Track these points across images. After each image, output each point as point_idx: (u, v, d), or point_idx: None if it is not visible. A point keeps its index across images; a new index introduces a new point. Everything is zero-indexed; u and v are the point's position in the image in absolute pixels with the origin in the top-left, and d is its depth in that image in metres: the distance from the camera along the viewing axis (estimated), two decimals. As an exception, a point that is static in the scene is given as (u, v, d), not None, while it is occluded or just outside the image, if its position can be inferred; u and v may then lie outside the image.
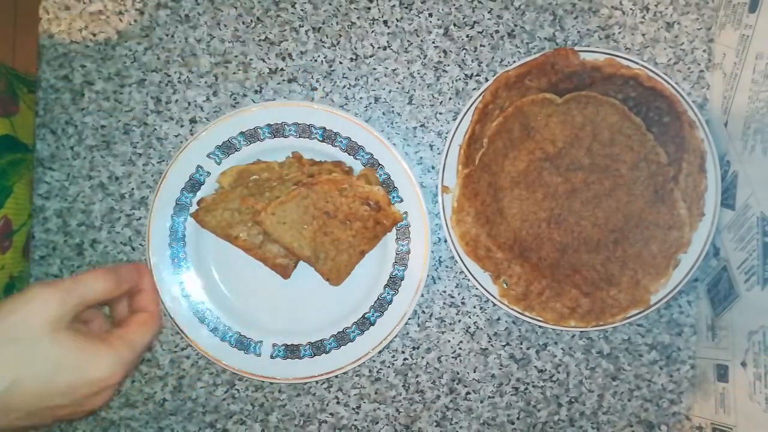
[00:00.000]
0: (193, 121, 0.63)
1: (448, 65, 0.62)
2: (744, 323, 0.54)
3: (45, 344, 0.39)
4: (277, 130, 0.60)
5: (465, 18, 0.62)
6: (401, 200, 0.59)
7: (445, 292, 0.62)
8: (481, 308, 0.62)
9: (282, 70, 0.63)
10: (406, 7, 0.62)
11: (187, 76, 0.63)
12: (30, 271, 0.63)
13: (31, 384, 0.39)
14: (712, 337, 0.59)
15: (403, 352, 0.63)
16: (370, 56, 0.62)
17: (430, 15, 0.62)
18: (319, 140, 0.60)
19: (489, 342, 0.62)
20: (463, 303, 0.62)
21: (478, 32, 0.62)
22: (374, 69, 0.62)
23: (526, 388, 0.62)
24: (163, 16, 0.63)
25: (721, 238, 0.58)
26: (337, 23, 0.62)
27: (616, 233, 0.58)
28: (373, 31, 0.62)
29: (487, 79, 0.62)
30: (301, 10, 0.62)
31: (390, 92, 0.63)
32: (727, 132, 0.58)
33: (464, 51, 0.62)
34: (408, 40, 0.62)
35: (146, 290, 0.49)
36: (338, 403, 0.63)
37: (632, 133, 0.57)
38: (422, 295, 0.62)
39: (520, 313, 0.59)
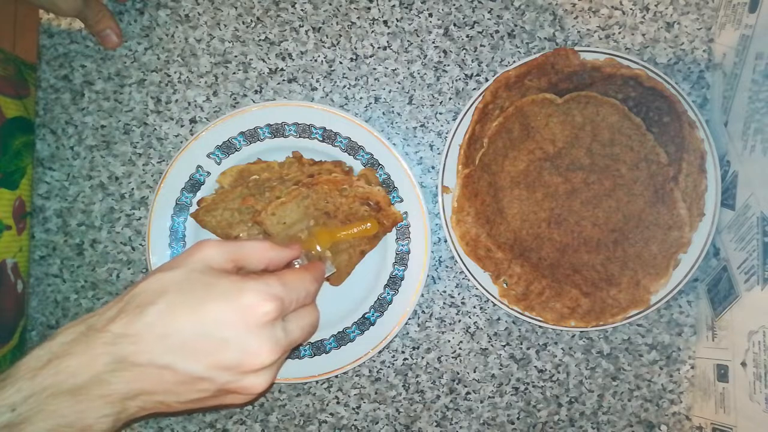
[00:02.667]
0: (193, 121, 0.63)
1: (448, 65, 0.62)
2: (744, 323, 0.54)
3: (198, 273, 0.39)
4: (277, 130, 0.60)
5: (465, 18, 0.62)
6: (401, 200, 0.59)
7: (445, 292, 0.62)
8: (481, 308, 0.62)
9: (282, 70, 0.63)
10: (406, 7, 0.62)
11: (187, 76, 0.63)
12: (30, 271, 0.64)
13: (184, 310, 0.37)
14: (712, 337, 0.59)
15: (403, 352, 0.63)
16: (370, 56, 0.62)
17: (430, 15, 0.62)
18: (319, 140, 0.60)
19: (489, 342, 0.62)
20: (463, 303, 0.62)
21: (478, 32, 0.62)
22: (374, 69, 0.62)
23: (526, 388, 0.62)
24: (163, 16, 0.63)
25: (721, 238, 0.58)
26: (337, 23, 0.62)
27: (616, 233, 0.58)
28: (373, 31, 0.62)
29: (487, 79, 0.62)
30: (301, 10, 0.62)
31: (390, 92, 0.63)
32: (727, 132, 0.58)
33: (464, 51, 0.62)
34: (408, 40, 0.62)
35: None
36: (338, 403, 0.63)
37: (632, 133, 0.57)
38: (422, 295, 0.62)
39: (520, 313, 0.59)
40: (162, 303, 0.37)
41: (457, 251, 0.59)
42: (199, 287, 0.38)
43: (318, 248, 0.56)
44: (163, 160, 0.63)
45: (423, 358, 0.63)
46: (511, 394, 0.62)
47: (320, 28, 0.62)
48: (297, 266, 0.50)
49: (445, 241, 0.62)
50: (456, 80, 0.62)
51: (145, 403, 0.38)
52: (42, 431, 0.35)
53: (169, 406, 0.39)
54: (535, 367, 0.62)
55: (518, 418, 0.62)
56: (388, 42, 0.62)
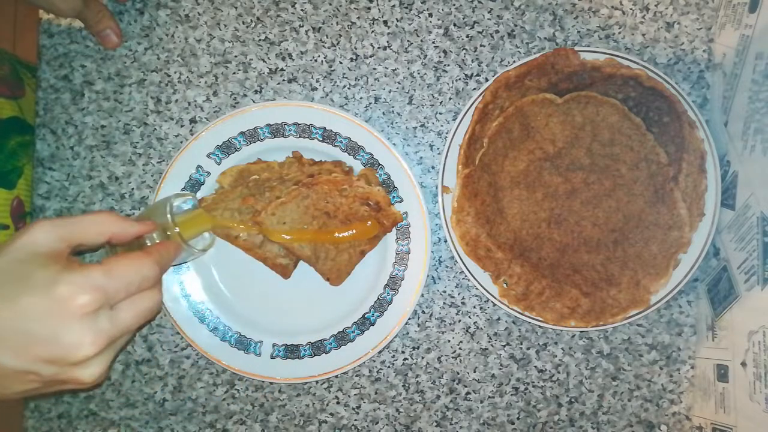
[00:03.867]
0: (193, 121, 0.63)
1: (448, 65, 0.62)
2: (744, 323, 0.54)
3: (18, 263, 0.38)
4: (277, 130, 0.60)
5: (465, 18, 0.62)
6: (401, 200, 0.59)
7: (445, 292, 0.62)
8: (481, 308, 0.62)
9: (282, 70, 0.63)
10: (406, 7, 0.62)
11: (187, 76, 0.63)
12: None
13: (1, 307, 0.36)
14: (712, 337, 0.59)
15: (403, 352, 0.63)
16: (370, 56, 0.62)
17: (430, 15, 0.62)
18: (319, 140, 0.60)
19: (489, 342, 0.62)
20: (463, 303, 0.62)
21: (478, 32, 0.62)
22: (374, 69, 0.62)
23: (526, 388, 0.62)
24: (163, 16, 0.63)
25: (721, 238, 0.58)
26: (337, 23, 0.62)
27: (616, 233, 0.58)
28: (373, 31, 0.62)
29: (487, 79, 0.62)
30: (301, 10, 0.62)
31: (390, 92, 0.63)
32: (727, 132, 0.58)
33: (464, 51, 0.62)
34: (408, 40, 0.62)
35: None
36: (338, 403, 0.63)
37: (632, 133, 0.57)
38: (422, 295, 0.62)
39: (520, 313, 0.59)
40: None
41: (457, 251, 0.59)
42: (13, 279, 0.37)
43: (176, 230, 0.52)
44: (163, 160, 0.63)
45: (423, 358, 0.63)
46: (511, 394, 0.62)
47: (320, 28, 0.62)
48: (148, 243, 0.48)
49: (445, 241, 0.62)
50: (456, 80, 0.62)
51: None
52: None
53: (2, 395, 0.39)
54: (535, 367, 0.62)
55: (518, 418, 0.62)
56: (388, 42, 0.62)
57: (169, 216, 0.52)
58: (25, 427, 0.63)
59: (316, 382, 0.62)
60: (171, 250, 0.47)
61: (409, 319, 0.61)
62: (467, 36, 0.62)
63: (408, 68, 0.62)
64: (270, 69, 0.63)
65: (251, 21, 0.63)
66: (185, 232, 0.53)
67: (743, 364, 0.54)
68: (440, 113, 0.62)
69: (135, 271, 0.41)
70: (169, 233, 0.52)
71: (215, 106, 0.63)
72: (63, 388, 0.40)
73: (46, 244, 0.39)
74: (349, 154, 0.60)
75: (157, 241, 0.50)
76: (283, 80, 0.63)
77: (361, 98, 0.63)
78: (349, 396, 0.63)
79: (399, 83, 0.62)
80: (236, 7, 0.63)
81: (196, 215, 0.56)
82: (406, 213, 0.59)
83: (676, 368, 0.62)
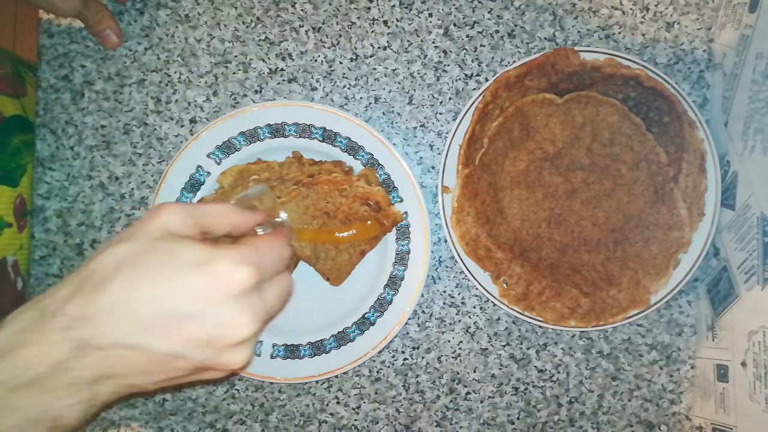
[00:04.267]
0: (193, 121, 0.63)
1: (448, 65, 0.62)
2: (744, 323, 0.54)
3: (159, 242, 0.35)
4: (277, 130, 0.60)
5: (465, 18, 0.62)
6: (401, 200, 0.59)
7: (445, 292, 0.62)
8: (481, 308, 0.62)
9: (282, 70, 0.63)
10: (406, 7, 0.62)
11: (187, 76, 0.63)
12: (30, 271, 0.64)
13: (148, 285, 0.34)
14: (712, 337, 0.59)
15: (403, 352, 0.63)
16: (370, 56, 0.62)
17: (430, 15, 0.62)
18: (319, 140, 0.60)
19: (489, 342, 0.62)
20: (463, 303, 0.62)
21: (478, 32, 0.62)
22: (374, 69, 0.62)
23: (526, 388, 0.62)
24: (163, 16, 0.63)
25: (721, 238, 0.58)
26: (337, 23, 0.62)
27: (616, 233, 0.58)
28: (373, 31, 0.62)
29: (487, 79, 0.62)
30: (301, 10, 0.62)
31: (390, 92, 0.63)
32: (727, 132, 0.58)
33: (464, 51, 0.62)
34: (408, 40, 0.62)
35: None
36: (338, 403, 0.63)
37: (632, 133, 0.57)
38: (422, 295, 0.62)
39: (520, 313, 0.59)
40: (122, 278, 0.34)
41: (457, 251, 0.59)
42: (162, 257, 0.35)
43: (282, 215, 0.51)
44: (163, 160, 0.63)
45: (423, 358, 0.63)
46: (511, 394, 0.62)
47: (320, 28, 0.62)
48: (260, 232, 0.47)
49: (445, 241, 0.62)
50: (456, 80, 0.62)
51: (117, 387, 0.35)
52: (8, 429, 0.33)
53: (142, 387, 0.36)
54: (535, 367, 0.62)
55: (518, 418, 0.62)
56: (388, 42, 0.62)
57: (276, 206, 0.51)
58: (25, 427, 0.63)
59: (316, 382, 0.62)
60: (289, 235, 0.46)
61: (409, 319, 0.61)
62: (467, 36, 0.62)
63: (408, 68, 0.62)
64: (270, 69, 0.63)
65: (251, 21, 0.63)
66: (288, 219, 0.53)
67: (743, 364, 0.54)
68: (440, 113, 0.62)
69: (277, 250, 0.39)
70: (278, 220, 0.51)
71: (215, 106, 0.63)
72: (205, 377, 0.38)
73: (182, 227, 0.37)
74: (349, 154, 0.60)
75: (268, 231, 0.49)
76: (283, 80, 0.63)
77: (361, 98, 0.63)
78: (349, 396, 0.63)
79: (399, 83, 0.62)
80: (236, 7, 0.63)
81: (271, 200, 0.56)
82: (406, 213, 0.59)
83: (676, 368, 0.62)
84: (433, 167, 0.62)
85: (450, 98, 0.62)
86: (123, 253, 0.35)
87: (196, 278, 0.34)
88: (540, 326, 0.62)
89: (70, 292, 0.34)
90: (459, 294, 0.62)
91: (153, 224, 0.36)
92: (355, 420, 0.63)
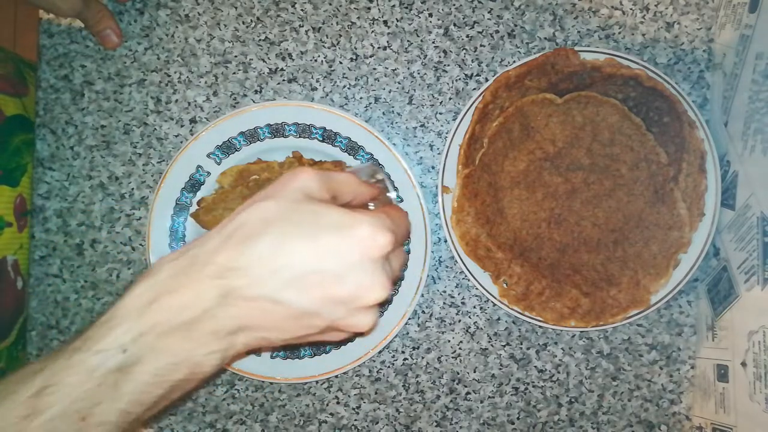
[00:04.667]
0: (193, 121, 0.63)
1: (448, 65, 0.62)
2: (744, 323, 0.54)
3: (302, 203, 0.36)
4: (277, 130, 0.60)
5: (465, 18, 0.62)
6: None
7: (445, 292, 0.62)
8: (481, 308, 0.62)
9: (282, 70, 0.63)
10: (406, 7, 0.62)
11: (187, 76, 0.63)
12: (30, 271, 0.64)
13: (297, 242, 0.35)
14: (712, 337, 0.59)
15: (403, 352, 0.63)
16: (370, 56, 0.62)
17: (430, 15, 0.62)
18: (319, 140, 0.60)
19: (489, 342, 0.62)
20: (463, 303, 0.62)
21: (478, 32, 0.62)
22: (374, 69, 0.62)
23: (526, 388, 0.62)
24: (163, 16, 0.63)
25: (721, 238, 0.58)
26: (337, 23, 0.62)
27: (616, 233, 0.58)
28: (373, 31, 0.62)
29: (487, 79, 0.62)
30: (301, 10, 0.62)
31: (390, 92, 0.63)
32: (727, 132, 0.58)
33: (464, 51, 0.62)
34: (408, 40, 0.62)
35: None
36: (338, 403, 0.63)
37: (632, 133, 0.57)
38: (422, 295, 0.62)
39: (520, 313, 0.59)
40: (271, 234, 0.35)
41: (457, 251, 0.59)
42: (308, 217, 0.36)
43: (394, 194, 0.52)
44: (163, 160, 0.63)
45: (423, 358, 0.63)
46: (511, 394, 0.62)
47: (320, 28, 0.62)
48: (371, 207, 0.47)
49: (445, 241, 0.62)
50: (456, 80, 0.62)
51: (250, 339, 0.36)
52: (152, 371, 0.34)
53: (271, 342, 0.37)
54: (535, 367, 0.62)
55: (518, 418, 0.62)
56: (388, 42, 0.62)
57: (390, 185, 0.52)
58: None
59: (316, 382, 0.62)
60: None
61: (409, 319, 0.61)
62: (467, 36, 0.62)
63: (408, 68, 0.62)
64: (270, 69, 0.63)
65: (251, 21, 0.63)
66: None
67: (743, 364, 0.54)
68: (440, 113, 0.62)
69: (406, 221, 0.41)
70: (389, 195, 0.52)
71: (215, 106, 0.63)
72: (330, 337, 0.39)
73: (319, 191, 0.38)
74: (349, 154, 0.60)
75: (378, 206, 0.49)
76: (283, 80, 0.63)
77: (361, 98, 0.63)
78: (349, 396, 0.63)
79: (399, 83, 0.62)
80: (236, 7, 0.63)
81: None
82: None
83: (676, 368, 0.62)
84: (433, 167, 0.62)
85: (450, 98, 0.62)
86: (270, 210, 0.36)
87: (341, 240, 0.35)
88: (540, 326, 0.62)
89: (219, 243, 0.35)
90: (459, 294, 0.62)
91: (293, 185, 0.37)
92: (355, 420, 0.63)
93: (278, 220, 0.35)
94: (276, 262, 0.34)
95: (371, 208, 0.47)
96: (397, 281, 0.40)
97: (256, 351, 0.61)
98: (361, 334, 0.45)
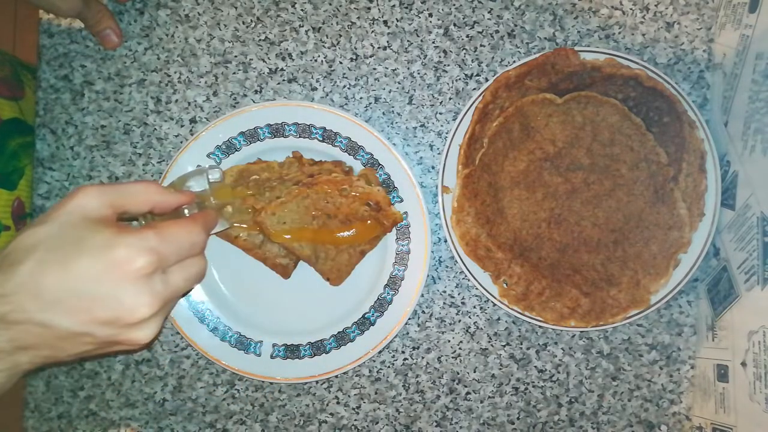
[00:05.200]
0: (193, 121, 0.63)
1: (448, 65, 0.62)
2: (744, 323, 0.54)
3: (71, 227, 0.38)
4: (277, 130, 0.60)
5: (465, 18, 0.62)
6: (401, 200, 0.59)
7: (445, 292, 0.62)
8: (481, 308, 0.62)
9: (282, 70, 0.63)
10: (406, 7, 0.62)
11: (187, 76, 0.63)
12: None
13: (54, 268, 0.37)
14: (712, 337, 0.59)
15: (403, 352, 0.63)
16: (370, 56, 0.62)
17: (430, 15, 0.62)
18: (319, 140, 0.60)
19: (489, 342, 0.62)
20: (463, 303, 0.62)
21: (478, 32, 0.62)
22: (374, 69, 0.62)
23: (526, 388, 0.62)
24: (163, 16, 0.63)
25: (721, 238, 0.58)
26: (337, 23, 0.62)
27: (616, 233, 0.58)
28: (373, 31, 0.62)
29: (487, 79, 0.62)
30: (301, 10, 0.62)
31: (390, 92, 0.63)
32: (727, 132, 0.58)
33: (464, 51, 0.62)
34: (408, 40, 0.62)
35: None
36: (338, 403, 0.63)
37: (632, 133, 0.57)
38: (422, 295, 0.62)
39: (520, 313, 0.59)
40: (31, 261, 0.37)
41: (457, 251, 0.59)
42: (69, 242, 0.38)
43: (212, 200, 0.53)
44: (163, 160, 0.63)
45: (423, 358, 0.63)
46: (511, 394, 0.62)
47: (320, 28, 0.62)
48: (186, 213, 0.49)
49: (445, 241, 0.62)
50: (456, 80, 0.62)
51: (33, 357, 0.38)
52: None
53: (58, 358, 0.39)
54: (535, 367, 0.62)
55: (518, 418, 0.62)
56: (388, 42, 0.62)
57: (208, 187, 0.53)
58: (25, 427, 0.63)
59: (316, 382, 0.62)
60: (212, 219, 0.48)
61: (409, 319, 0.61)
62: (467, 36, 0.62)
63: (408, 68, 0.62)
64: (270, 69, 0.63)
65: (251, 21, 0.63)
66: (220, 203, 0.54)
67: (743, 364, 0.54)
68: (440, 113, 0.62)
69: (186, 236, 0.41)
70: (206, 204, 0.52)
71: (215, 106, 0.63)
72: (116, 349, 0.41)
73: (95, 209, 0.39)
74: (349, 154, 0.60)
75: (195, 212, 0.50)
76: (283, 80, 0.63)
77: (361, 98, 0.63)
78: (349, 396, 0.63)
79: (399, 83, 0.62)
80: (236, 7, 0.63)
81: (223, 188, 0.56)
82: (406, 213, 0.59)
83: (676, 368, 0.62)
84: (433, 167, 0.62)
85: (450, 98, 0.62)
86: (37, 235, 0.38)
87: (97, 263, 0.37)
88: (540, 326, 0.62)
89: None
90: (459, 294, 0.62)
91: (68, 207, 0.39)
92: (355, 420, 0.63)
93: (41, 245, 0.37)
94: (36, 287, 0.36)
95: (186, 214, 0.48)
96: (183, 292, 0.42)
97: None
98: (149, 344, 0.46)
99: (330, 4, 0.62)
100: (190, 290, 0.43)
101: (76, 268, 0.37)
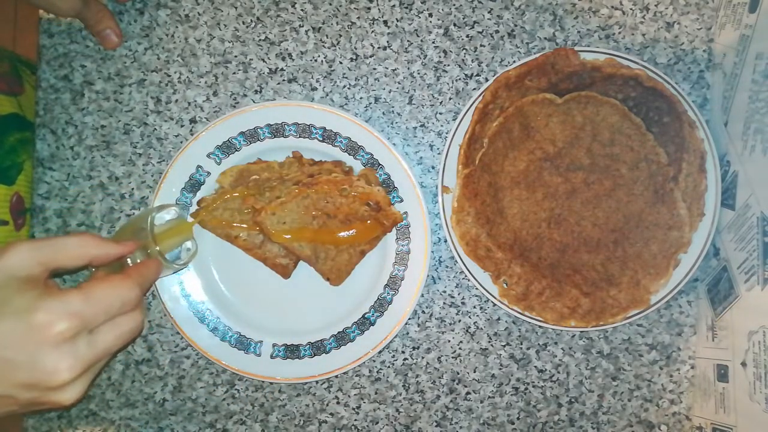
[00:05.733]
0: (193, 121, 0.63)
1: (448, 65, 0.62)
2: (744, 323, 0.54)
3: (1, 291, 0.38)
4: (277, 130, 0.60)
5: (465, 18, 0.62)
6: (401, 200, 0.59)
7: (445, 292, 0.62)
8: (481, 308, 0.62)
9: (282, 70, 0.63)
10: (406, 7, 0.62)
11: (187, 76, 0.63)
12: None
13: None
14: (712, 337, 0.59)
15: (403, 352, 0.63)
16: (370, 56, 0.62)
17: (430, 15, 0.62)
18: (319, 140, 0.60)
19: (489, 342, 0.62)
20: (463, 303, 0.62)
21: (478, 32, 0.62)
22: (374, 69, 0.62)
23: (526, 388, 0.62)
24: (163, 16, 0.63)
25: (721, 238, 0.58)
26: (337, 23, 0.62)
27: (616, 233, 0.58)
28: (373, 31, 0.62)
29: (487, 79, 0.62)
30: (301, 10, 0.62)
31: (390, 92, 0.63)
32: (727, 132, 0.58)
33: (464, 51, 0.62)
34: (408, 40, 0.62)
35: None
36: (338, 403, 0.63)
37: (632, 133, 0.57)
38: (422, 295, 0.62)
39: (520, 313, 0.59)
40: None
41: (457, 251, 0.59)
42: None
43: (156, 248, 0.53)
44: (163, 160, 0.63)
45: (423, 358, 0.63)
46: (511, 394, 0.62)
47: (320, 28, 0.62)
48: (129, 263, 0.48)
49: (445, 241, 0.62)
50: (456, 80, 0.62)
51: None
52: None
53: None
54: (535, 367, 0.62)
55: (518, 418, 0.62)
56: (388, 42, 0.62)
57: (149, 234, 0.52)
58: (25, 427, 0.63)
59: (316, 382, 0.62)
60: (152, 270, 0.48)
61: (409, 319, 0.61)
62: (467, 36, 0.62)
63: (408, 68, 0.62)
64: (270, 69, 0.63)
65: (251, 21, 0.63)
66: (166, 247, 0.54)
67: (743, 364, 0.54)
68: (440, 113, 0.62)
69: (115, 294, 0.41)
70: (149, 251, 0.52)
71: (215, 106, 0.63)
72: (41, 408, 0.40)
73: (24, 268, 0.39)
74: (349, 154, 0.60)
75: (138, 261, 0.50)
76: (283, 80, 0.63)
77: (361, 98, 0.63)
78: (349, 396, 0.63)
79: (399, 83, 0.62)
80: (236, 7, 0.63)
81: (177, 225, 0.57)
82: (406, 213, 0.59)
83: (676, 368, 0.62)
84: (433, 167, 0.62)
85: (450, 98, 0.62)
86: None
87: (17, 327, 0.37)
88: (540, 326, 0.62)
89: None
90: (459, 294, 0.62)
91: (2, 269, 0.39)
92: (355, 420, 0.63)
93: None
94: None
95: (129, 263, 0.48)
96: (114, 350, 0.41)
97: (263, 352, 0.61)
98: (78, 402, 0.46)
99: (330, 4, 0.62)
100: (126, 346, 0.43)
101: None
